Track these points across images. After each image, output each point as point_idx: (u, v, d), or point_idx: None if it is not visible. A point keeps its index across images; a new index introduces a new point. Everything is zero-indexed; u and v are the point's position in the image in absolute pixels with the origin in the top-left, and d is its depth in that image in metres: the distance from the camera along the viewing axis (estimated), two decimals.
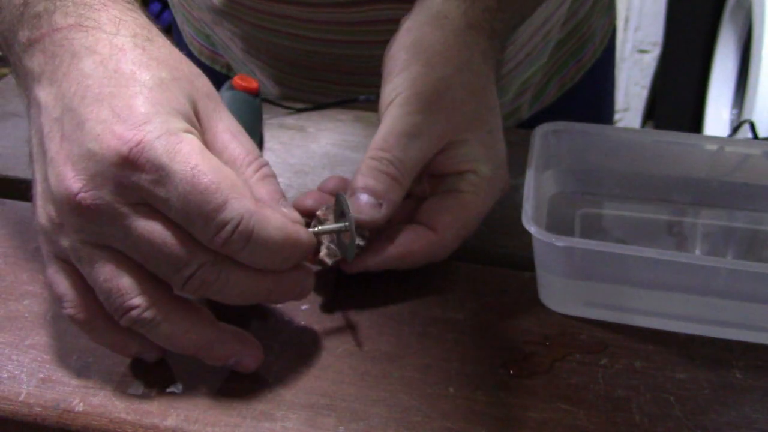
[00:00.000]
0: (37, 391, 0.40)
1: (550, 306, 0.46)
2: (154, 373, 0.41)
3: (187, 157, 0.34)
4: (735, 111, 1.95)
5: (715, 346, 0.43)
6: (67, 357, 0.42)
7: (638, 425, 0.39)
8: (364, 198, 0.42)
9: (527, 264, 0.47)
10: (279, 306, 0.46)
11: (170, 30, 0.83)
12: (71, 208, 0.35)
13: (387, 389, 0.41)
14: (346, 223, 0.42)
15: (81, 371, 0.42)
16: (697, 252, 0.52)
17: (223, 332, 0.39)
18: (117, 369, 0.42)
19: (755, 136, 0.63)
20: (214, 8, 0.67)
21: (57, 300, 0.38)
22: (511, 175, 0.48)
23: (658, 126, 2.14)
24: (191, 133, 0.36)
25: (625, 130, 0.53)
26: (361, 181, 0.43)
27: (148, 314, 0.36)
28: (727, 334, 0.44)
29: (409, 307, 0.46)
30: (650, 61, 2.21)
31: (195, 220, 0.34)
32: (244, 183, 0.36)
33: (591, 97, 0.82)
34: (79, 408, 0.40)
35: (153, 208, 0.35)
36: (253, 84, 0.60)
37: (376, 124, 0.45)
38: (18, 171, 0.57)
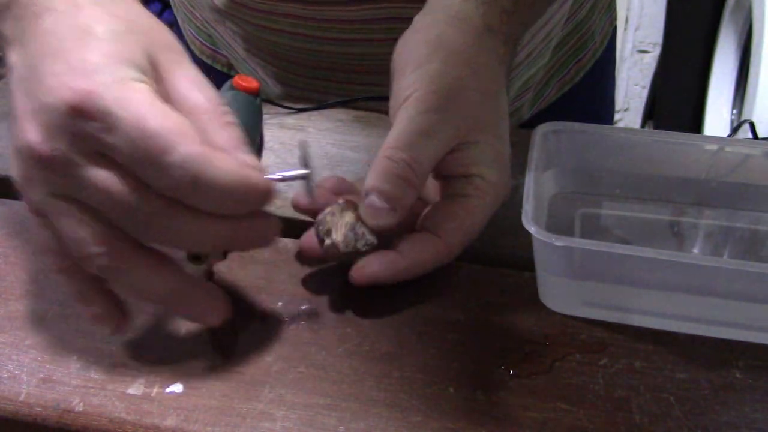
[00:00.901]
0: (37, 391, 0.40)
1: (550, 306, 0.46)
2: (154, 373, 0.41)
3: (135, 105, 0.35)
4: (735, 111, 1.95)
5: (715, 346, 0.43)
6: (67, 357, 0.42)
7: (638, 425, 0.39)
8: (377, 203, 0.42)
9: (527, 264, 0.47)
10: (279, 305, 0.46)
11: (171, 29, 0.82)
12: (33, 161, 0.36)
13: (387, 389, 0.41)
14: (308, 171, 0.42)
15: (81, 371, 0.42)
16: (697, 252, 0.52)
17: (190, 283, 0.40)
18: (117, 369, 0.42)
19: (755, 136, 0.63)
20: (215, 8, 0.67)
21: (42, 252, 0.39)
22: (511, 175, 0.48)
23: (658, 126, 2.14)
24: (143, 82, 0.37)
25: (625, 130, 0.53)
26: (376, 183, 0.42)
27: (112, 262, 0.37)
28: (727, 334, 0.44)
29: (409, 307, 0.46)
30: (650, 61, 2.21)
31: (143, 165, 0.35)
32: (196, 129, 0.36)
33: (591, 98, 0.82)
34: (79, 408, 0.40)
35: (108, 157, 0.36)
36: (254, 84, 0.60)
37: (376, 124, 0.45)
38: None
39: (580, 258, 0.43)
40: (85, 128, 0.35)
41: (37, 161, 0.36)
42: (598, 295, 0.46)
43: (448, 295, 0.47)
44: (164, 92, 0.38)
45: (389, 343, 0.43)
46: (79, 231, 0.37)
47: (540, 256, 0.45)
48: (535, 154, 0.48)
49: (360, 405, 0.40)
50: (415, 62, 0.45)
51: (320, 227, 0.44)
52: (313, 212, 0.45)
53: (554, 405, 0.40)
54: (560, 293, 0.45)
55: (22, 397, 0.40)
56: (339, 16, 0.63)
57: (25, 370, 0.42)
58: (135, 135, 0.34)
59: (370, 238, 0.43)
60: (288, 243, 0.50)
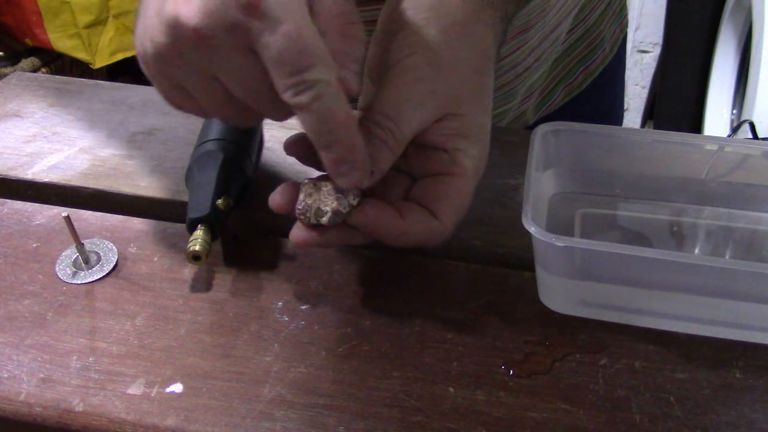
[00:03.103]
0: (37, 391, 0.41)
1: (550, 306, 0.46)
2: (154, 373, 0.41)
3: (297, 18, 0.38)
4: (735, 111, 1.95)
5: (715, 346, 0.43)
6: (67, 357, 0.42)
7: (638, 425, 0.39)
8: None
9: (527, 264, 0.47)
10: (279, 305, 0.46)
11: None
12: (192, 39, 0.39)
13: (387, 389, 0.41)
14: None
15: (81, 371, 0.42)
16: (697, 252, 0.52)
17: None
18: (117, 369, 0.42)
19: (755, 136, 0.63)
20: None
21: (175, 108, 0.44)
22: (511, 175, 0.48)
23: (658, 126, 2.14)
24: None
25: (625, 130, 0.53)
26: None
27: (229, 118, 0.44)
28: (727, 334, 0.44)
29: (409, 307, 0.46)
30: (650, 61, 2.21)
31: (283, 68, 0.38)
32: (332, 59, 0.39)
33: (599, 104, 0.81)
34: (79, 408, 0.40)
35: (254, 51, 0.39)
36: None
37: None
38: (18, 171, 0.57)
39: (580, 258, 0.43)
40: (247, 24, 0.38)
41: (193, 38, 0.39)
42: (598, 295, 0.46)
43: (448, 295, 0.47)
44: None
45: (389, 343, 0.43)
46: (214, 104, 0.42)
47: (540, 256, 0.45)
48: (535, 154, 0.48)
49: (360, 405, 0.40)
50: (413, 24, 0.45)
51: (307, 214, 0.43)
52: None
53: (554, 405, 0.40)
54: (560, 293, 0.45)
55: (22, 397, 0.40)
56: None
57: (25, 370, 0.42)
58: (288, 43, 0.37)
59: (354, 190, 0.43)
60: (288, 243, 0.50)
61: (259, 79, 0.39)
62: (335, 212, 0.42)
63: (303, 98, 0.38)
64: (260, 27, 0.38)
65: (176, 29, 0.39)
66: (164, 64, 0.41)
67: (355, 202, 0.43)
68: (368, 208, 0.43)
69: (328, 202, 0.43)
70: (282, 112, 0.41)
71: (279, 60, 0.38)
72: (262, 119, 0.44)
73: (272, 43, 0.38)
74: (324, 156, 0.40)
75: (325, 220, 0.42)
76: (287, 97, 0.38)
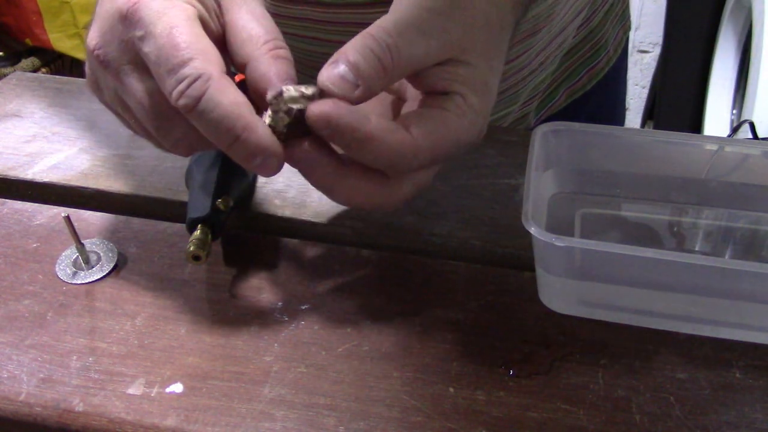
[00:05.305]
0: (37, 391, 0.41)
1: (550, 306, 0.46)
2: (154, 373, 0.41)
3: (171, 19, 0.38)
4: (735, 111, 1.95)
5: (715, 346, 0.43)
6: (67, 357, 0.42)
7: (638, 425, 0.39)
8: (342, 70, 0.38)
9: (527, 264, 0.47)
10: (279, 305, 0.46)
11: None
12: (96, 63, 0.40)
13: (387, 389, 0.41)
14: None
15: (81, 371, 0.42)
16: (697, 252, 0.52)
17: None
18: (117, 369, 0.42)
19: (755, 136, 0.63)
20: None
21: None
22: (511, 175, 0.48)
23: (658, 126, 2.14)
24: (191, 5, 0.40)
25: (625, 130, 0.53)
26: (350, 53, 0.38)
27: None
28: (727, 334, 0.44)
29: (409, 307, 0.46)
30: (650, 61, 2.21)
31: (162, 72, 0.38)
32: (218, 56, 0.39)
33: (602, 105, 0.81)
34: (79, 408, 0.40)
35: (147, 68, 0.39)
36: None
37: None
38: (18, 171, 0.57)
39: (580, 258, 0.43)
40: (129, 35, 0.38)
41: (96, 63, 0.40)
42: (598, 295, 0.46)
43: (448, 295, 0.47)
44: (226, 21, 0.42)
45: (389, 343, 0.43)
46: (133, 128, 0.43)
47: (540, 256, 0.45)
48: (535, 154, 0.48)
49: (360, 405, 0.40)
50: None
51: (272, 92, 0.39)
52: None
53: (554, 405, 0.40)
54: (560, 293, 0.45)
55: (22, 397, 0.40)
56: (356, 19, 0.63)
57: (25, 370, 0.42)
58: (162, 41, 0.37)
59: (311, 86, 0.38)
60: (288, 243, 0.50)
61: (153, 96, 0.39)
62: (306, 89, 0.38)
63: (189, 98, 0.37)
64: (140, 35, 0.38)
65: (89, 56, 0.41)
66: (94, 90, 0.43)
67: (310, 92, 0.38)
68: (334, 101, 0.38)
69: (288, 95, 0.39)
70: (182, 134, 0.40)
71: (157, 61, 0.38)
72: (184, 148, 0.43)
73: (150, 49, 0.38)
74: (232, 155, 0.38)
75: (292, 91, 0.38)
76: (174, 99, 0.37)
